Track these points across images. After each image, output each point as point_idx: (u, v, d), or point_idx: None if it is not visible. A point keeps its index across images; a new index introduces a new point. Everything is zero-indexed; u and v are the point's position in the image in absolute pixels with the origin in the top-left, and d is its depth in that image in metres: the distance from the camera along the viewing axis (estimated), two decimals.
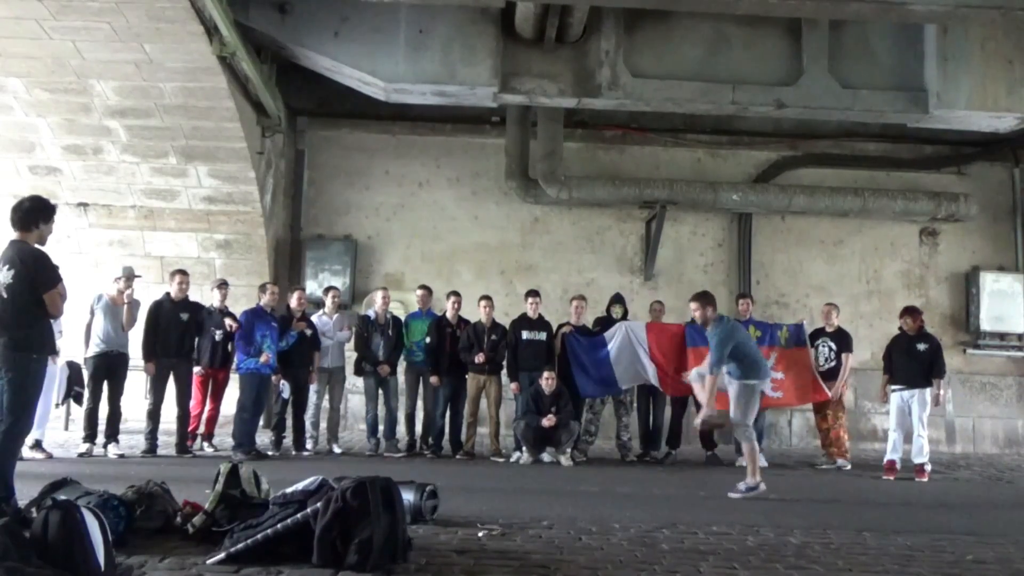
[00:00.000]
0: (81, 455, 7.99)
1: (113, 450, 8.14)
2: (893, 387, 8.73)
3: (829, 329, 9.34)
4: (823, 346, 9.21)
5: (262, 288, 8.99)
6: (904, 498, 7.20)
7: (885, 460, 8.67)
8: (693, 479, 8.01)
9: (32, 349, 5.03)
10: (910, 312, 8.87)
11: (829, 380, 9.09)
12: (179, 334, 8.47)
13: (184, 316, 8.53)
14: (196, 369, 8.62)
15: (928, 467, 8.46)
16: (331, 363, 9.23)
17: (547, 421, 8.52)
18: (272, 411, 9.21)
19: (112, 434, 8.24)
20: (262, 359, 8.42)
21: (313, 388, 9.06)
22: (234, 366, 8.71)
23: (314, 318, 9.23)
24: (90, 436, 8.14)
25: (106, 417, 8.24)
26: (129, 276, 8.32)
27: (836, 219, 12.09)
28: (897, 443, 8.63)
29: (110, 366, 8.23)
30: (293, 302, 9.02)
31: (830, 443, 9.22)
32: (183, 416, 8.55)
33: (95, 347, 8.19)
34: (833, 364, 9.15)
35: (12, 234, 5.16)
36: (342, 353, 9.39)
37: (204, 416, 8.80)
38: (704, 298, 6.95)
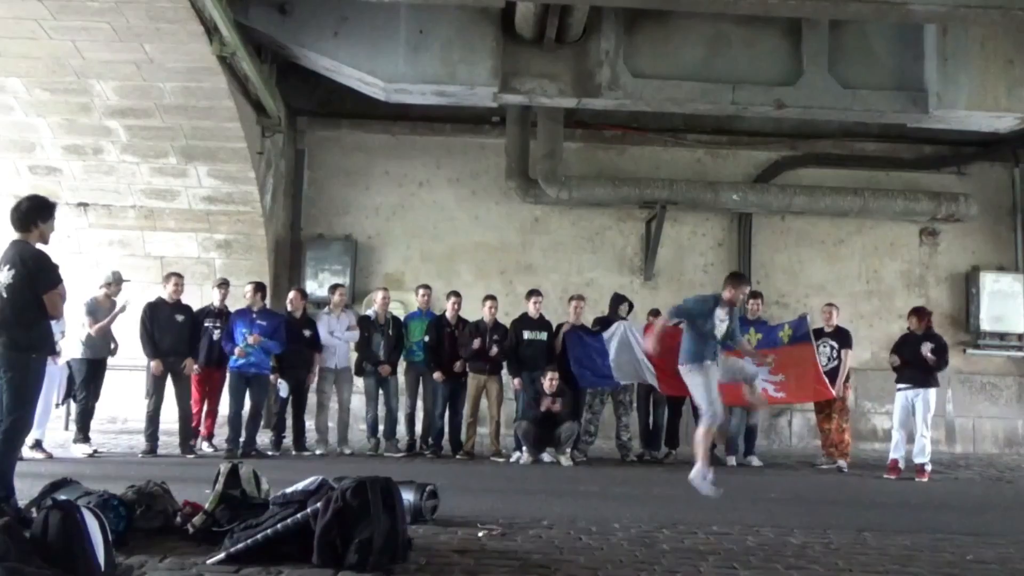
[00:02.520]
0: (89, 455, 8.03)
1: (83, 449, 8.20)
2: (899, 386, 8.74)
3: (828, 329, 9.31)
4: (824, 346, 9.14)
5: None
6: (904, 498, 7.19)
7: (889, 459, 8.68)
8: None
9: (32, 349, 5.03)
10: (917, 312, 8.88)
11: (830, 380, 9.03)
12: (175, 336, 8.47)
13: (180, 318, 8.54)
14: (193, 368, 8.61)
15: (929, 467, 8.47)
16: (339, 363, 9.16)
17: (547, 398, 8.57)
18: (272, 411, 9.20)
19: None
20: (236, 352, 8.43)
21: (318, 388, 9.05)
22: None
23: (323, 317, 9.22)
24: (86, 437, 8.22)
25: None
26: (118, 281, 8.48)
27: (836, 219, 12.08)
28: (900, 442, 8.65)
29: (97, 370, 8.38)
30: (288, 304, 9.00)
31: (831, 444, 9.21)
32: (185, 415, 8.54)
33: (87, 350, 8.28)
34: (835, 364, 9.10)
35: (13, 234, 5.17)
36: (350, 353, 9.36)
37: (203, 415, 8.81)
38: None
